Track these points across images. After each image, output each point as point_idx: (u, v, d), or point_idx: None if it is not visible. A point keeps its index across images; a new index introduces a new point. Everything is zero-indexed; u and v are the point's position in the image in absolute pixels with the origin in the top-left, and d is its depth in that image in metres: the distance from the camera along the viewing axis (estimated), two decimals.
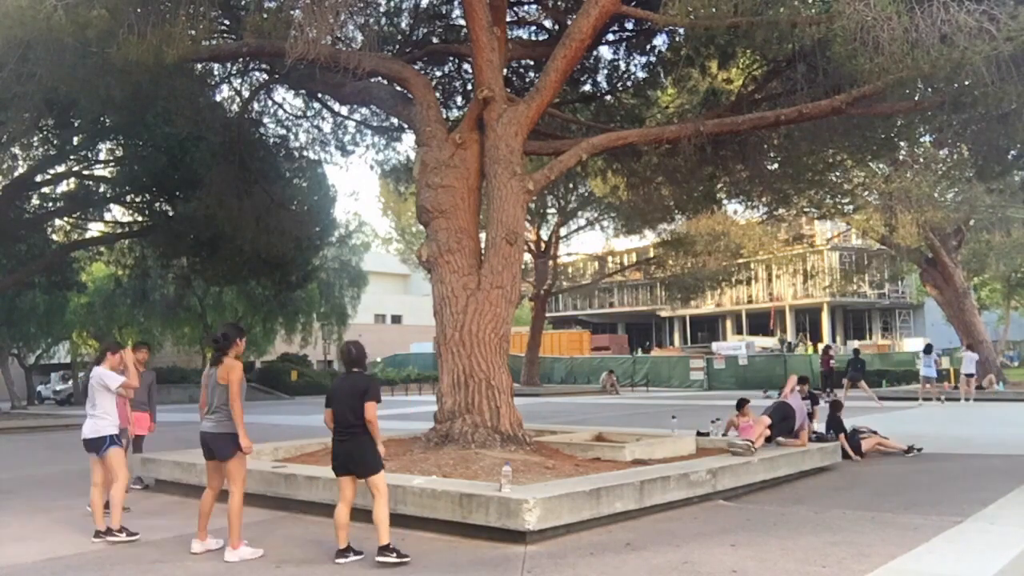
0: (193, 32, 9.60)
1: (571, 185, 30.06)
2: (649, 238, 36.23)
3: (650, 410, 21.73)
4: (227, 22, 12.65)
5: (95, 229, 27.14)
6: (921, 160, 17.92)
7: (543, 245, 38.38)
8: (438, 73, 15.07)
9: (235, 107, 16.49)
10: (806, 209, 22.74)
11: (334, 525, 5.77)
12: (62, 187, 24.01)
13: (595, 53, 14.23)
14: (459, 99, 15.21)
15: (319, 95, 15.21)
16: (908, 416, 17.61)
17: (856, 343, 41.99)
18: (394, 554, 5.53)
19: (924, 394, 21.39)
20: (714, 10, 8.46)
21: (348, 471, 5.78)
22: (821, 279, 45.11)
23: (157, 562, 5.80)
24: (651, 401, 26.71)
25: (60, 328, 37.05)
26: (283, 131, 18.52)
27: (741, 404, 12.16)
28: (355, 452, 5.69)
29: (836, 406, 11.81)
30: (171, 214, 21.54)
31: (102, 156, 22.13)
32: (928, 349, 22.31)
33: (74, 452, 9.29)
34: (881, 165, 18.74)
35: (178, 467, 8.93)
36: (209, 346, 6.24)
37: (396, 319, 62.13)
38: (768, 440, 9.65)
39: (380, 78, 11.40)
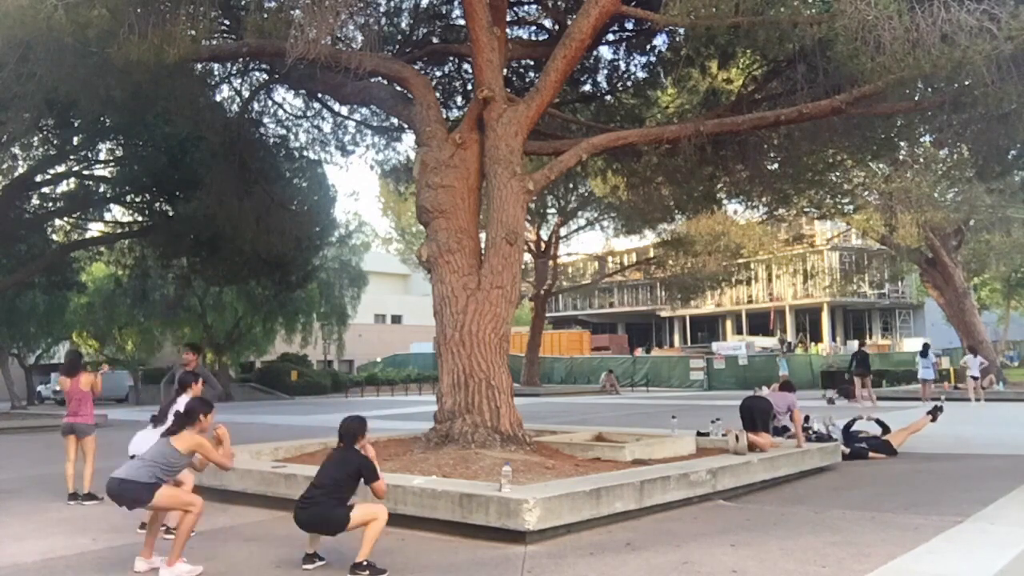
0: (193, 32, 9.60)
1: (571, 185, 30.07)
2: (649, 238, 36.27)
3: (650, 410, 21.73)
4: (227, 22, 12.65)
5: (95, 229, 27.16)
6: (921, 160, 17.93)
7: (543, 245, 38.39)
8: (438, 73, 15.07)
9: (235, 107, 16.50)
10: (806, 209, 22.75)
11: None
12: (62, 187, 24.05)
13: (595, 53, 14.24)
14: (459, 99, 15.22)
15: (319, 95, 15.21)
16: (908, 416, 17.57)
17: (856, 343, 42.02)
18: (367, 572, 5.26)
19: (928, 395, 21.40)
20: (715, 10, 8.46)
21: (312, 529, 5.49)
22: (821, 279, 45.12)
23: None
24: (651, 401, 26.71)
25: (60, 328, 37.06)
26: (283, 131, 18.57)
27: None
28: (316, 519, 5.38)
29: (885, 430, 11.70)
30: (171, 214, 21.55)
31: (102, 156, 22.15)
32: (925, 351, 22.29)
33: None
34: (881, 165, 18.74)
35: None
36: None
37: (396, 319, 62.14)
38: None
39: (380, 78, 11.40)
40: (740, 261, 36.92)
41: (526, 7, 13.99)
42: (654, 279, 43.45)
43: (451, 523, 6.39)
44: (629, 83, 15.09)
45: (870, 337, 52.33)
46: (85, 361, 10.71)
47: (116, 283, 32.50)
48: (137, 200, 23.54)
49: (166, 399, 7.40)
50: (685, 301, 41.40)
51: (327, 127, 17.97)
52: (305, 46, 8.81)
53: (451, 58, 14.59)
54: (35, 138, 18.94)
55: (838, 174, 16.81)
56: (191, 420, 5.65)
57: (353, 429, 5.66)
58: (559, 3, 13.42)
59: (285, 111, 18.15)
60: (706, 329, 58.66)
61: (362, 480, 5.51)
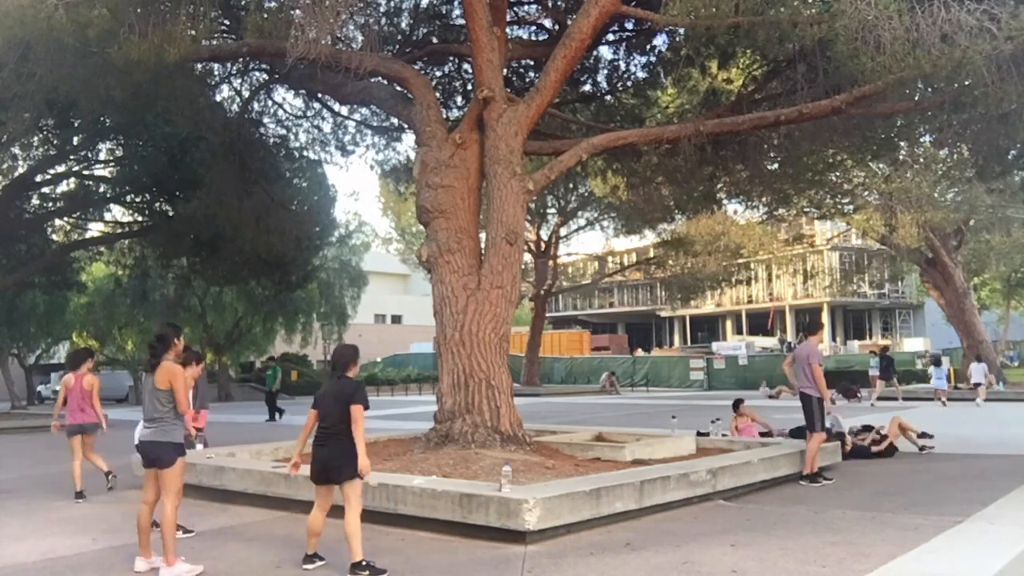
0: (193, 32, 9.60)
1: (571, 185, 30.07)
2: (649, 238, 36.26)
3: (650, 410, 21.73)
4: (227, 22, 12.65)
5: (95, 229, 27.14)
6: (921, 160, 17.92)
7: (543, 245, 38.38)
8: (438, 73, 15.07)
9: (235, 107, 16.50)
10: (806, 209, 22.77)
11: (307, 530, 5.60)
12: (62, 187, 24.03)
13: (595, 53, 14.24)
14: (459, 99, 15.22)
15: (319, 95, 15.21)
16: (908, 416, 17.57)
17: (857, 343, 42.04)
18: (367, 572, 5.26)
19: (941, 399, 21.51)
20: (715, 10, 8.46)
21: (327, 479, 5.50)
22: (821, 279, 45.11)
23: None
24: (651, 401, 26.71)
25: (60, 328, 37.01)
26: (283, 131, 18.56)
27: (737, 405, 12.17)
28: (334, 456, 5.42)
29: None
30: (171, 214, 21.54)
31: (102, 156, 22.13)
32: (939, 362, 22.60)
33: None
34: (881, 165, 18.74)
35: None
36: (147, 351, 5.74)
37: (396, 319, 62.12)
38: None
39: (380, 78, 11.40)
40: (740, 261, 36.90)
41: (526, 7, 13.99)
42: (654, 279, 43.43)
43: (451, 523, 6.39)
44: (629, 83, 15.09)
45: (870, 337, 52.34)
46: (98, 359, 10.87)
47: (116, 283, 32.47)
48: (137, 200, 23.52)
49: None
50: (685, 301, 41.40)
51: (327, 127, 17.99)
52: (305, 46, 8.81)
53: (451, 58, 14.58)
54: (35, 138, 18.93)
55: (838, 174, 16.82)
56: (165, 345, 5.73)
57: (346, 356, 5.73)
58: (559, 3, 13.42)
59: (285, 111, 18.17)
60: (706, 329, 58.66)
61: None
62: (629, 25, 13.38)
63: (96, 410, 8.90)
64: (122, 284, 31.98)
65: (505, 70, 11.77)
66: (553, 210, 36.91)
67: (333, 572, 5.47)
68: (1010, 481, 8.57)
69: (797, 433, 11.09)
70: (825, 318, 50.83)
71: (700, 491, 7.65)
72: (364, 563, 5.29)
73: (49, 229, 25.41)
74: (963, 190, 22.72)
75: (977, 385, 21.52)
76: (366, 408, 5.46)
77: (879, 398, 22.40)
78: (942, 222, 24.55)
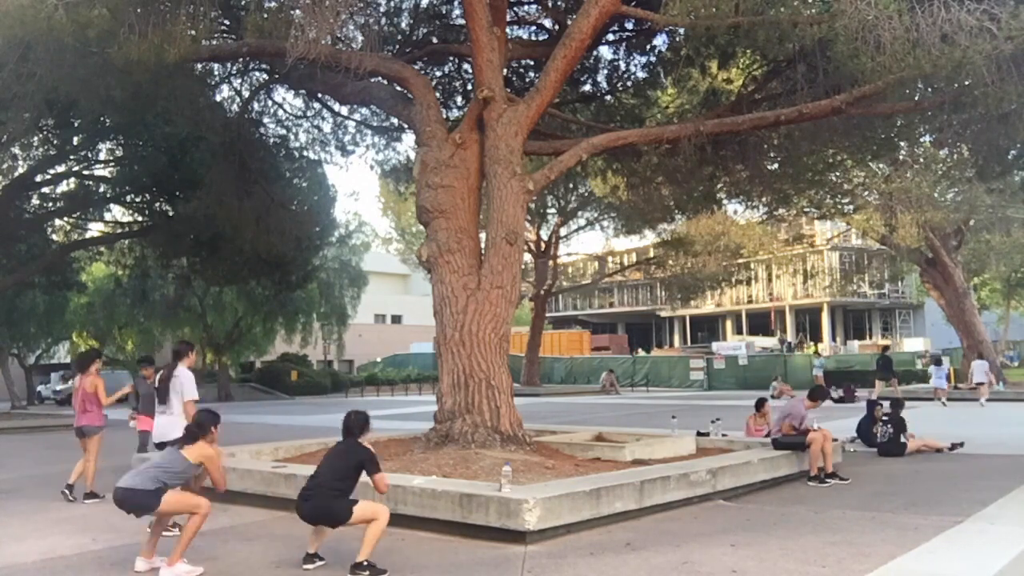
0: (193, 32, 9.59)
1: (571, 185, 30.08)
2: (649, 238, 36.27)
3: (650, 410, 21.73)
4: (227, 22, 12.65)
5: (95, 229, 27.14)
6: (921, 160, 17.92)
7: (543, 245, 38.39)
8: (438, 73, 15.07)
9: (235, 107, 16.49)
10: (806, 209, 22.77)
11: (312, 530, 5.60)
12: (62, 187, 24.03)
13: (595, 53, 14.23)
14: (459, 99, 15.22)
15: (319, 95, 15.21)
16: (908, 416, 17.57)
17: (857, 343, 42.04)
18: (367, 572, 5.27)
19: (941, 399, 21.51)
20: (715, 10, 8.46)
21: (314, 521, 5.51)
22: (821, 279, 45.13)
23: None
24: (651, 401, 26.71)
25: (60, 328, 37.03)
26: (283, 131, 18.56)
27: (760, 404, 12.15)
28: (320, 510, 5.40)
29: (897, 404, 11.72)
30: (171, 214, 21.54)
31: (102, 156, 22.13)
32: (939, 362, 22.58)
33: (74, 452, 9.30)
34: (881, 165, 18.75)
35: None
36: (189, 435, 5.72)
37: (396, 319, 62.13)
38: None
39: (380, 78, 11.40)
40: (740, 261, 36.92)
41: (526, 7, 13.99)
42: (654, 279, 43.45)
43: (451, 523, 6.39)
44: (629, 83, 15.08)
45: (870, 337, 52.34)
46: (107, 359, 11.09)
47: (116, 283, 32.49)
48: (137, 200, 23.52)
49: (162, 379, 7.81)
50: (685, 301, 41.41)
51: (327, 127, 17.99)
52: (305, 46, 8.81)
53: (451, 58, 14.58)
54: (35, 138, 18.92)
55: (838, 174, 16.82)
56: (203, 431, 5.77)
57: (357, 423, 5.71)
58: (559, 3, 13.41)
59: (285, 111, 18.17)
60: (706, 329, 58.66)
61: (364, 474, 5.52)
62: (629, 25, 13.38)
63: (99, 411, 8.93)
64: (122, 284, 32.00)
65: (505, 70, 11.77)
66: (553, 210, 36.92)
67: (333, 572, 5.47)
68: (1010, 481, 8.57)
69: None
70: (825, 318, 50.86)
71: (700, 491, 7.65)
72: (366, 563, 5.30)
73: (49, 229, 25.41)
74: (963, 190, 22.72)
75: (979, 384, 21.48)
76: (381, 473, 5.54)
77: (879, 398, 22.41)
78: (942, 222, 24.56)
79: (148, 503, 5.45)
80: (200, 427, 5.81)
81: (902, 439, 11.24)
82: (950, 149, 15.56)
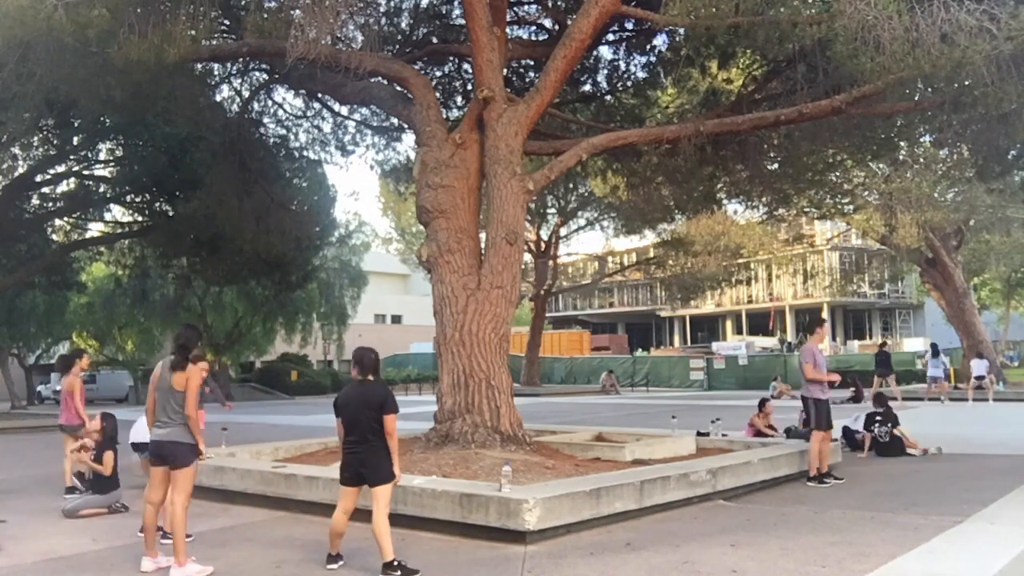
0: (193, 32, 9.59)
1: (571, 185, 30.09)
2: (649, 238, 36.26)
3: (650, 410, 21.73)
4: (227, 22, 12.64)
5: (95, 229, 27.16)
6: (921, 160, 17.92)
7: (543, 245, 38.39)
8: (438, 73, 15.07)
9: (235, 107, 16.49)
10: (806, 209, 22.74)
11: (329, 532, 5.58)
12: (62, 187, 24.04)
13: (595, 53, 14.23)
14: (459, 99, 15.22)
15: (319, 95, 15.20)
16: (908, 416, 17.57)
17: (857, 343, 42.03)
18: (399, 572, 5.22)
19: (931, 394, 21.44)
20: (715, 10, 8.46)
21: (360, 480, 5.42)
22: (821, 279, 45.10)
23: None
24: (651, 401, 26.71)
25: (60, 328, 37.01)
26: (283, 131, 18.56)
27: (762, 404, 12.17)
28: (369, 461, 5.35)
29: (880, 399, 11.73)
30: (171, 214, 21.55)
31: (102, 156, 22.15)
32: (936, 351, 22.47)
33: None
34: (881, 165, 18.74)
35: None
36: (172, 350, 5.74)
37: (396, 319, 62.12)
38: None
39: (380, 78, 11.40)
40: (740, 261, 36.93)
41: (526, 7, 13.99)
42: (654, 279, 43.46)
43: (451, 523, 6.39)
44: (629, 83, 15.08)
45: (870, 337, 52.32)
46: (97, 359, 11.45)
47: (116, 283, 32.46)
48: (137, 200, 23.53)
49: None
50: (685, 301, 41.42)
51: (327, 127, 18.00)
52: (305, 46, 8.81)
53: (451, 58, 14.58)
54: (35, 138, 18.93)
55: (838, 174, 16.81)
56: (187, 351, 5.77)
57: (371, 359, 5.59)
58: (559, 3, 13.41)
59: (285, 111, 18.16)
60: (706, 329, 58.64)
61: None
62: (629, 25, 13.38)
63: (75, 411, 9.13)
64: (122, 284, 31.97)
65: (505, 70, 11.76)
66: (553, 210, 36.92)
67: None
68: (1010, 481, 8.56)
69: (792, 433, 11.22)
70: (825, 318, 50.75)
71: (700, 491, 7.65)
72: (396, 563, 5.23)
73: (49, 229, 25.42)
74: (963, 190, 22.73)
75: (980, 378, 21.36)
76: (396, 414, 5.38)
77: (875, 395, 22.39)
78: (942, 222, 24.57)
79: (188, 458, 5.61)
80: (183, 348, 5.78)
81: (896, 433, 11.25)
82: (950, 149, 15.55)
